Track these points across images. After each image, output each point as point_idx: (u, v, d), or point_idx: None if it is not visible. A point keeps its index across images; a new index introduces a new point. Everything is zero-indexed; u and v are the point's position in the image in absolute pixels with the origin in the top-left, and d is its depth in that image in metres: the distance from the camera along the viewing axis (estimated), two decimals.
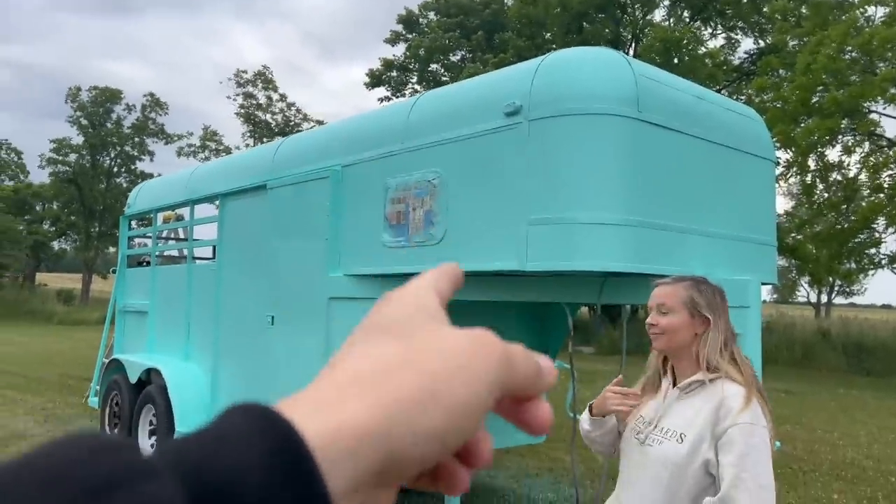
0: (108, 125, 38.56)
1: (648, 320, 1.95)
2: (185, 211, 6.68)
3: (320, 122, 34.01)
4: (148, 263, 6.73)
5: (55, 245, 40.66)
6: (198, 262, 6.16)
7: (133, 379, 5.86)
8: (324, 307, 4.20)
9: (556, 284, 3.43)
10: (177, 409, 5.19)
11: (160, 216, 6.60)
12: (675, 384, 1.93)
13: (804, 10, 15.57)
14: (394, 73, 21.54)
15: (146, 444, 5.69)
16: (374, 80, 21.76)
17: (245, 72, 34.56)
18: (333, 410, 0.30)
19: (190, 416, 5.22)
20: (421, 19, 21.49)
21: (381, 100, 22.14)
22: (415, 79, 21.61)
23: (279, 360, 4.55)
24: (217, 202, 5.48)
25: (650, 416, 1.94)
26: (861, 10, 14.69)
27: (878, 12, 14.79)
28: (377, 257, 3.91)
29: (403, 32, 21.80)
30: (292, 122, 34.80)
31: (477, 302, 4.06)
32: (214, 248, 7.51)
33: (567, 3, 17.11)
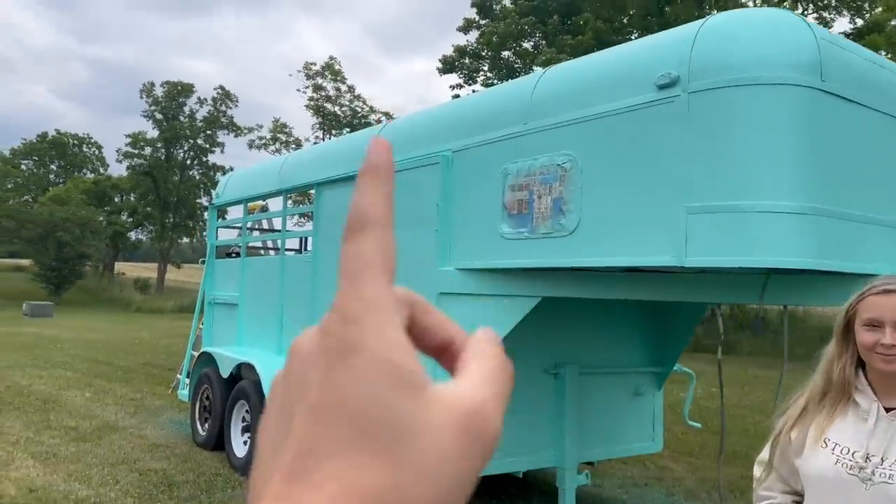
0: (181, 118, 39.58)
1: (886, 341, 1.53)
2: (273, 202, 6.51)
3: (387, 115, 33.99)
4: (237, 255, 6.58)
5: (132, 235, 42.14)
6: (288, 253, 5.97)
7: (225, 374, 5.71)
8: (433, 303, 3.89)
9: (711, 282, 3.01)
10: None
11: (248, 206, 6.44)
12: (883, 406, 1.55)
13: None
14: (466, 61, 21.18)
15: (240, 440, 5.54)
16: (447, 66, 21.41)
17: (314, 64, 34.85)
18: None
19: None
20: (495, 5, 21.03)
21: (452, 87, 21.84)
22: (486, 66, 21.21)
23: None
24: (312, 192, 5.25)
25: (856, 445, 1.55)
26: None
27: None
28: (494, 250, 3.57)
29: (477, 19, 21.39)
30: (360, 114, 34.88)
31: (585, 300, 3.68)
32: (303, 240, 7.38)
33: None
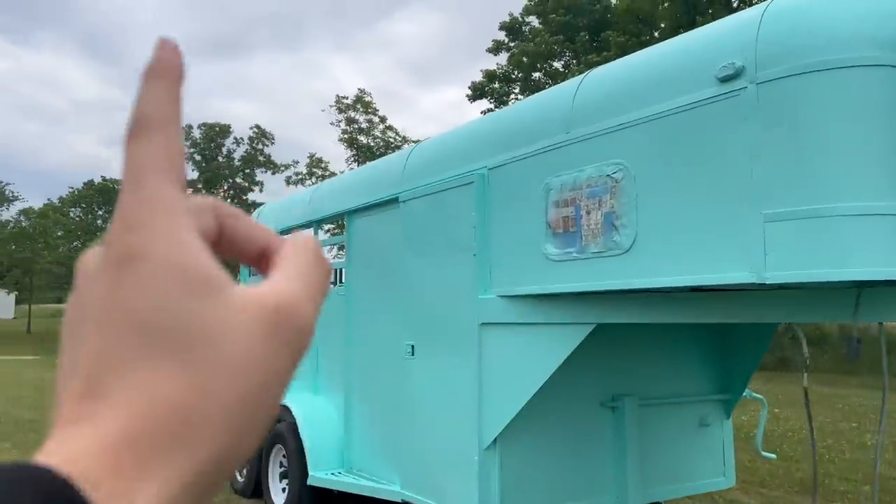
0: (220, 159, 40.25)
1: None
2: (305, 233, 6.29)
3: (418, 142, 33.86)
4: None
5: None
6: None
7: None
8: (474, 334, 3.57)
9: (792, 299, 2.62)
10: (310, 450, 4.69)
11: None
12: None
13: None
14: (496, 85, 21.00)
15: (278, 486, 5.24)
16: (477, 92, 21.25)
17: (346, 97, 35.13)
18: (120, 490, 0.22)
19: (324, 457, 4.71)
20: (523, 26, 20.87)
21: (483, 112, 21.65)
22: (517, 89, 20.99)
23: (421, 396, 3.95)
24: (342, 221, 4.99)
25: None
26: None
27: None
28: (539, 273, 3.24)
29: (506, 41, 21.24)
30: (392, 144, 34.99)
31: (643, 324, 3.30)
32: (337, 272, 7.13)
33: None
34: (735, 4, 18.30)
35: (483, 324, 3.52)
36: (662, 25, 18.50)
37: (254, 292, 0.27)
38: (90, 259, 0.28)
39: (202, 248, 0.26)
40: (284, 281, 0.28)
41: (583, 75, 3.28)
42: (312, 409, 5.01)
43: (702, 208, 2.53)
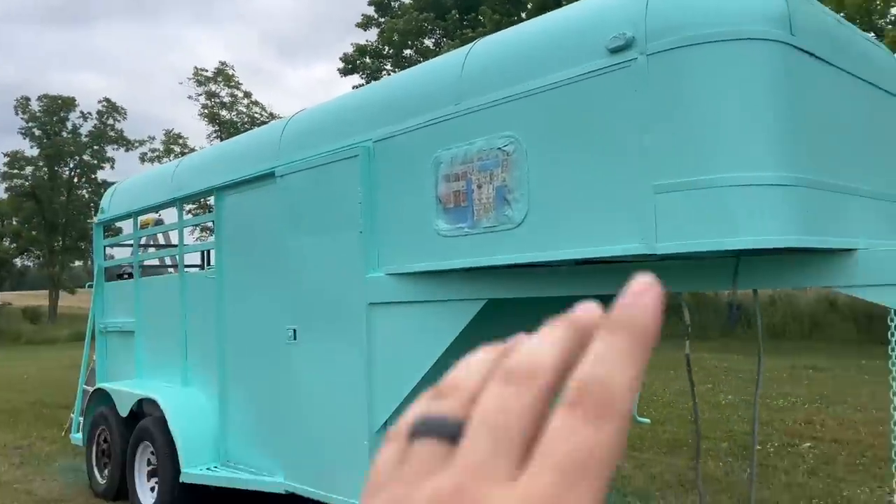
0: (64, 134, 36.91)
1: None
2: (167, 214, 5.82)
3: None
4: (130, 276, 5.83)
5: (17, 262, 38.96)
6: (188, 270, 5.30)
7: (124, 412, 5.00)
8: (362, 315, 3.41)
9: (679, 269, 2.68)
10: (181, 445, 4.35)
11: (139, 221, 5.71)
12: None
13: None
14: (367, 60, 20.59)
15: (146, 486, 4.84)
16: (349, 64, 20.73)
17: (205, 70, 33.21)
18: None
19: (198, 452, 4.39)
20: (393, 1, 20.55)
21: (356, 88, 21.19)
22: (389, 65, 20.71)
23: (305, 382, 3.75)
24: (211, 198, 4.64)
25: None
26: None
27: None
28: (429, 250, 3.13)
29: (375, 16, 20.84)
30: (259, 121, 33.55)
31: (535, 298, 3.30)
32: (204, 254, 6.68)
33: None
34: None
35: (371, 304, 3.38)
36: (529, 6, 18.87)
37: None
38: (421, 490, 0.24)
39: None
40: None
41: (471, 44, 3.19)
42: (182, 400, 4.66)
43: (594, 180, 2.51)
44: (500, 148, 2.83)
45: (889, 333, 2.48)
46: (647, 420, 4.91)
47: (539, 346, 0.27)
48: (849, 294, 2.48)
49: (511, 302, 3.26)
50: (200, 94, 33.12)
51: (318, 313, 3.67)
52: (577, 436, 0.23)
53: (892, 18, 13.45)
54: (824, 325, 15.03)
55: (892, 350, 2.48)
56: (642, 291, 0.26)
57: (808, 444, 6.50)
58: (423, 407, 0.27)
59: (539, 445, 0.24)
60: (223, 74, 33.09)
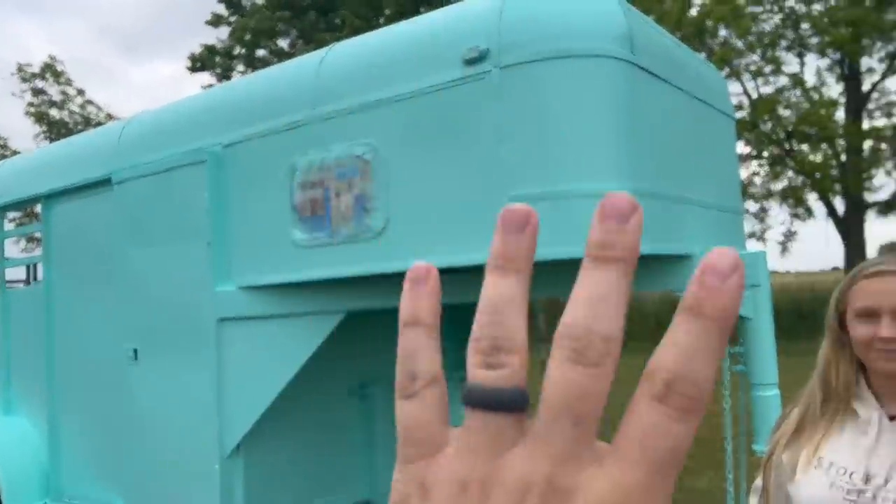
0: None
1: (883, 333, 1.28)
2: None
3: None
4: None
5: None
6: (9, 287, 4.76)
7: None
8: (211, 332, 3.21)
9: (537, 276, 2.72)
10: (4, 481, 3.88)
11: None
12: (888, 413, 1.31)
13: None
14: (218, 59, 19.66)
15: None
16: (197, 63, 19.67)
17: (30, 65, 30.26)
18: None
19: (24, 489, 3.94)
20: (244, 0, 19.78)
21: (205, 88, 20.18)
22: (241, 66, 19.90)
23: (148, 406, 3.47)
24: (34, 208, 4.19)
25: (855, 463, 1.30)
26: None
27: None
28: (285, 261, 3.00)
29: (226, 14, 19.95)
30: (94, 121, 31.02)
31: (388, 310, 3.27)
32: (30, 267, 6.04)
33: None
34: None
35: (221, 319, 3.18)
36: (388, 12, 18.92)
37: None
38: (497, 481, 0.24)
39: None
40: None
41: (328, 47, 3.10)
42: (5, 430, 4.16)
43: (454, 189, 2.52)
44: (358, 155, 2.77)
45: None
46: None
47: (606, 314, 0.25)
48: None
49: (373, 313, 3.21)
50: (25, 91, 30.14)
51: (162, 331, 3.41)
52: (669, 433, 0.23)
53: (722, 40, 14.82)
54: (668, 325, 16.17)
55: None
56: (730, 273, 0.24)
57: None
58: (474, 369, 0.26)
59: (624, 435, 0.24)
60: (52, 70, 30.33)
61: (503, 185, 2.40)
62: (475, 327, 0.28)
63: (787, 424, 1.44)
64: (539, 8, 2.44)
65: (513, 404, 0.25)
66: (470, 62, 2.49)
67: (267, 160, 3.05)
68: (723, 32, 14.18)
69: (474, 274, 2.74)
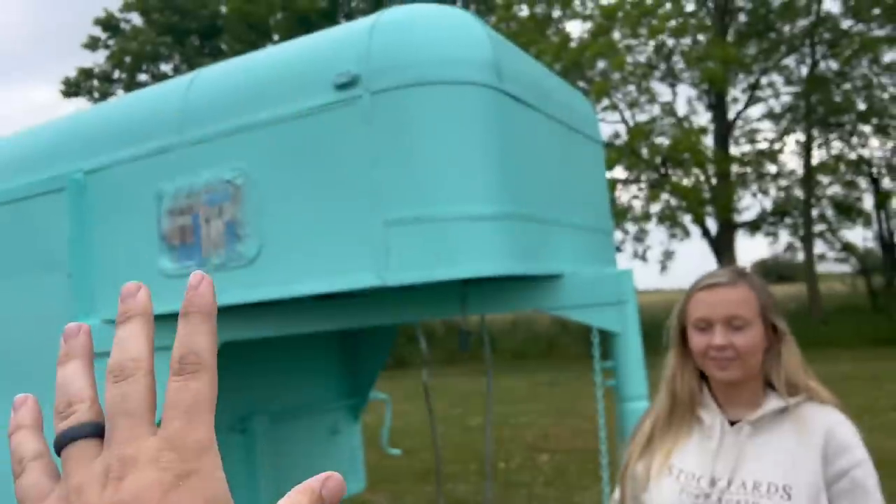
0: None
1: (716, 342, 1.36)
2: None
3: None
4: None
5: None
6: None
7: None
8: None
9: (411, 299, 2.76)
10: None
11: None
12: (728, 418, 1.39)
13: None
14: (95, 83, 18.71)
15: None
16: (72, 88, 18.63)
17: None
18: None
19: None
20: (123, 23, 18.95)
21: None
22: (120, 89, 19.02)
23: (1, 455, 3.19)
24: None
25: (701, 468, 1.37)
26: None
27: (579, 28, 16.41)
28: (154, 292, 2.82)
29: (104, 37, 19.04)
30: None
31: (265, 339, 3.20)
32: None
33: (290, 4, 16.29)
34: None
35: None
36: (276, 37, 18.72)
37: None
38: (90, 479, 0.32)
39: (227, 489, 0.34)
40: None
41: (195, 72, 3.01)
42: None
43: (328, 214, 2.50)
44: (228, 180, 2.70)
45: (592, 349, 2.77)
46: (399, 451, 4.98)
47: (127, 344, 0.35)
48: (556, 315, 2.74)
49: (250, 344, 3.11)
50: None
51: (17, 370, 3.16)
52: (188, 390, 0.33)
53: (599, 72, 15.63)
54: (559, 345, 16.70)
55: (597, 363, 2.78)
56: (198, 282, 0.35)
57: (546, 457, 7.11)
58: (56, 425, 0.34)
59: (166, 405, 0.33)
60: None
61: (377, 209, 2.41)
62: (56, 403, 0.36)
63: (639, 434, 1.51)
64: (407, 35, 2.49)
65: (80, 433, 0.34)
66: (341, 87, 2.49)
67: (132, 187, 2.92)
68: (601, 64, 14.97)
69: (352, 299, 2.72)
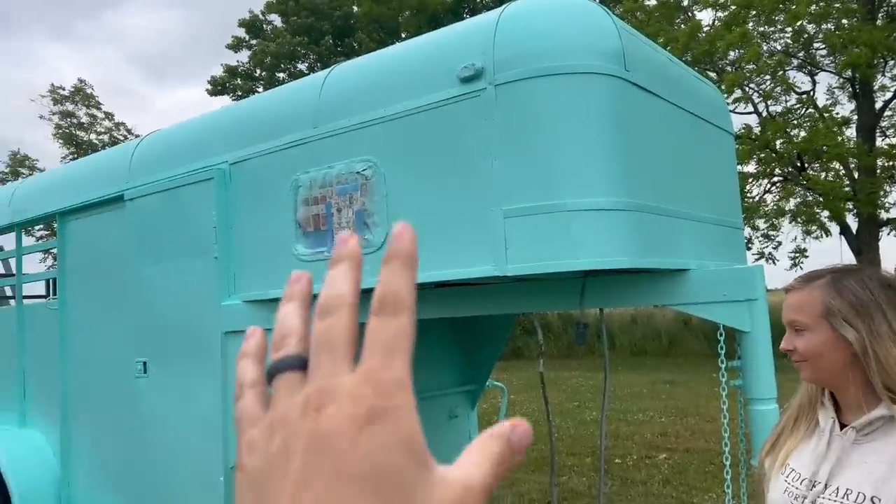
0: None
1: (783, 345, 1.37)
2: (6, 239, 5.35)
3: None
4: None
5: None
6: (26, 301, 4.88)
7: None
8: (217, 345, 3.28)
9: (530, 290, 2.78)
10: (17, 493, 3.96)
11: None
12: (840, 422, 1.34)
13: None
14: (239, 81, 20.03)
15: None
16: (218, 86, 20.05)
17: (62, 88, 30.99)
18: None
19: (36, 499, 4.01)
20: (265, 25, 20.16)
21: None
22: (261, 88, 20.24)
23: (156, 417, 3.54)
24: (54, 224, 4.30)
25: (808, 470, 1.33)
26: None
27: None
28: (288, 275, 3.06)
29: (247, 38, 20.35)
30: (121, 143, 31.63)
31: None
32: (48, 283, 6.17)
33: (424, 4, 16.66)
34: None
35: (227, 332, 3.25)
36: (404, 35, 19.19)
37: (450, 475, 0.32)
38: (291, 411, 0.34)
39: (420, 427, 0.32)
40: (474, 467, 0.33)
41: (328, 70, 3.19)
42: (19, 444, 4.25)
43: (449, 206, 2.57)
44: (358, 172, 2.84)
45: (719, 347, 2.68)
46: (501, 384, 4.96)
47: (335, 282, 0.37)
48: (680, 311, 2.67)
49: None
50: (55, 114, 30.83)
51: (170, 344, 3.48)
52: (388, 328, 0.33)
53: (731, 61, 14.84)
54: (679, 343, 16.09)
55: (722, 362, 2.68)
56: (401, 232, 0.36)
57: (664, 455, 6.90)
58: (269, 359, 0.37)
59: (365, 342, 0.33)
60: (82, 93, 31.02)
61: (497, 200, 2.45)
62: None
63: (773, 431, 1.48)
64: (533, 26, 2.51)
65: (288, 364, 0.36)
66: (465, 80, 2.55)
67: (271, 177, 3.14)
68: (732, 54, 14.20)
69: (470, 287, 2.78)
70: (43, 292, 6.17)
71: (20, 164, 32.20)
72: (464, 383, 4.56)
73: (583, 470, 6.41)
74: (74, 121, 31.24)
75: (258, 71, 20.19)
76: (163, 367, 3.52)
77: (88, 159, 4.68)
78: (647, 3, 16.20)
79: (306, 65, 20.37)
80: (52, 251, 5.38)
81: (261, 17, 19.81)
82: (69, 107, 31.02)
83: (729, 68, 14.86)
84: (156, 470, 3.52)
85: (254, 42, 20.32)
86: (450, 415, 4.44)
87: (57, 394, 4.13)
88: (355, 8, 19.50)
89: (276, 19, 19.85)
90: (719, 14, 14.96)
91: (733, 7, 14.02)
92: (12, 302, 6.22)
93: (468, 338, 4.54)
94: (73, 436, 4.07)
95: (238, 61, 20.67)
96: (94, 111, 31.69)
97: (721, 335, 2.71)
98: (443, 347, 4.44)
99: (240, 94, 20.39)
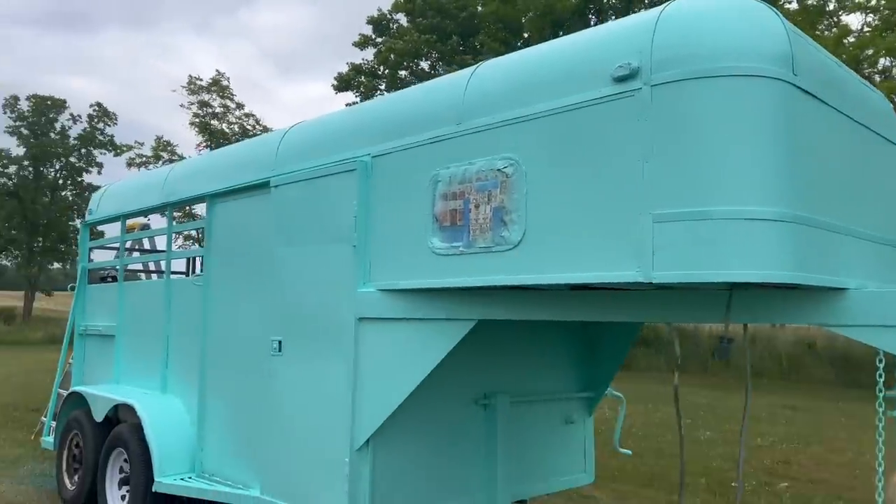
0: (52, 135, 36.64)
1: None
2: (155, 219, 5.78)
3: None
4: (114, 279, 5.76)
5: None
6: (174, 277, 5.24)
7: (99, 417, 4.90)
8: (351, 330, 3.39)
9: (672, 299, 2.68)
10: (157, 454, 4.26)
11: (128, 224, 5.65)
12: None
13: None
14: (363, 79, 20.69)
15: (116, 494, 4.74)
16: (343, 83, 20.79)
17: (200, 79, 33.15)
18: None
19: (173, 461, 4.30)
20: (392, 23, 20.71)
21: (349, 104, 21.28)
22: (384, 85, 20.83)
23: (288, 395, 3.70)
24: (203, 205, 4.60)
25: None
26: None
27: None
28: (422, 267, 3.12)
29: (373, 36, 20.98)
30: (251, 133, 33.47)
31: (518, 321, 3.28)
32: (190, 261, 6.62)
33: (551, 6, 16.53)
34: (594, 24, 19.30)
35: (361, 318, 3.35)
36: (527, 35, 19.12)
37: None
38: None
39: None
40: None
41: (475, 66, 3.21)
42: (160, 407, 4.58)
43: (592, 206, 2.52)
44: (499, 169, 2.84)
45: (878, 374, 2.48)
46: (629, 451, 4.89)
47: None
48: (839, 333, 2.49)
49: (501, 325, 3.25)
50: (193, 104, 33.04)
51: (306, 326, 3.64)
52: None
53: (882, 68, 13.77)
54: (802, 367, 15.12)
55: (880, 391, 2.48)
56: None
57: (785, 484, 6.51)
58: None
59: None
60: (218, 84, 33.06)
61: (646, 203, 2.38)
62: None
63: None
64: (696, 26, 2.42)
65: None
66: (619, 80, 2.49)
67: (411, 171, 3.20)
68: (883, 61, 13.15)
69: (606, 292, 2.72)
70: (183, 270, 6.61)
71: (162, 149, 34.75)
72: (582, 389, 4.49)
73: (696, 490, 6.15)
74: (209, 110, 33.34)
75: (382, 69, 20.72)
76: (297, 348, 3.68)
77: (237, 147, 4.96)
78: (787, 5, 15.30)
79: (428, 63, 20.71)
80: (189, 233, 5.74)
81: (388, 15, 20.33)
82: (205, 97, 33.14)
83: (877, 77, 13.78)
84: (283, 445, 3.68)
85: (379, 40, 20.88)
86: (566, 420, 4.38)
87: (196, 364, 4.41)
88: (479, 8, 19.61)
89: (403, 18, 20.31)
90: (869, 18, 13.91)
91: (886, 11, 12.99)
92: (142, 276, 6.72)
93: (591, 344, 4.46)
94: (209, 404, 4.34)
95: (363, 59, 21.32)
96: (228, 101, 33.69)
97: (880, 361, 2.51)
98: (564, 352, 4.38)
99: (363, 91, 21.01)
